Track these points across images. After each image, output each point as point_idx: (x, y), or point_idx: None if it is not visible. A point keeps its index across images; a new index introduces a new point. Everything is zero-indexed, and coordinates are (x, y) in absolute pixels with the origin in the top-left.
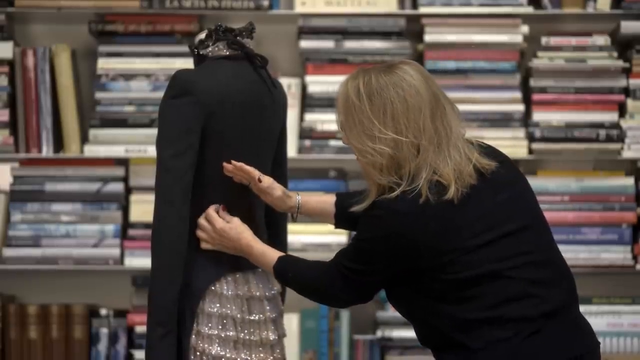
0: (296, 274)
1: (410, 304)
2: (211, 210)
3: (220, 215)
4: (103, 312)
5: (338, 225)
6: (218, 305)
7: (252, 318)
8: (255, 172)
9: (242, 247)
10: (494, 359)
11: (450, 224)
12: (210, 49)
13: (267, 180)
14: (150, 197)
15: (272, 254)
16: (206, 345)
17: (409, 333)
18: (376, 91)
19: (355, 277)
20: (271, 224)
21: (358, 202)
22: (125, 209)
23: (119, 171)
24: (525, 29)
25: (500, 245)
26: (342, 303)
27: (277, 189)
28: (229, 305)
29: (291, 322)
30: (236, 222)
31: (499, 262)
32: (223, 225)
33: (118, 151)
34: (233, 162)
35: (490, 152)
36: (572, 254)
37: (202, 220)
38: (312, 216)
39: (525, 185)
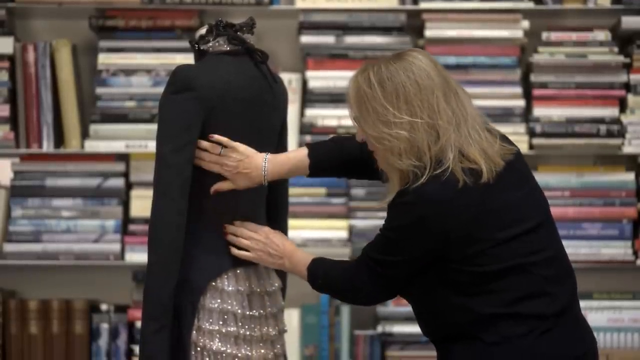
0: (325, 274)
1: (427, 296)
2: (250, 223)
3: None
4: (104, 307)
5: (312, 175)
6: (219, 300)
7: (252, 313)
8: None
9: (286, 252)
10: (508, 355)
11: (483, 211)
12: (210, 44)
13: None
14: (151, 193)
15: (309, 258)
16: (207, 341)
17: (410, 328)
18: (387, 77)
19: (382, 270)
20: (271, 219)
21: (380, 197)
22: (125, 204)
23: (120, 166)
24: (525, 24)
25: (524, 240)
26: (368, 298)
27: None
28: (229, 301)
29: (292, 317)
30: (268, 233)
31: (524, 257)
32: (269, 230)
33: (118, 146)
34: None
35: (505, 139)
36: (573, 249)
37: (244, 230)
38: (284, 175)
39: (534, 180)
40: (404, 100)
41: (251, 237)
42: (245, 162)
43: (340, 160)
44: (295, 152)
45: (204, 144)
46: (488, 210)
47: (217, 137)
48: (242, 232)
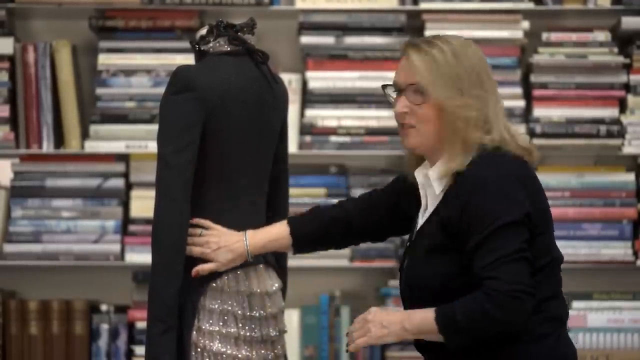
0: (464, 310)
1: (467, 290)
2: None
3: None
4: (103, 307)
5: (298, 251)
6: (219, 301)
7: (253, 314)
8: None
9: (400, 316)
10: (538, 354)
11: (543, 195)
12: (211, 44)
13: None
14: (151, 193)
15: (429, 311)
16: (207, 342)
17: None
18: (460, 52)
19: (524, 255)
20: (272, 219)
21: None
22: (125, 205)
23: (120, 167)
24: (526, 24)
25: (552, 237)
26: (524, 297)
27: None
28: (230, 302)
29: (292, 318)
30: (372, 309)
31: (555, 253)
32: (368, 311)
33: (118, 147)
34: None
35: None
36: (573, 250)
37: (354, 327)
38: (266, 247)
39: None
40: (477, 74)
41: (359, 329)
42: (225, 237)
43: (324, 228)
44: (277, 225)
45: None
46: (544, 196)
47: (196, 220)
48: (353, 331)
